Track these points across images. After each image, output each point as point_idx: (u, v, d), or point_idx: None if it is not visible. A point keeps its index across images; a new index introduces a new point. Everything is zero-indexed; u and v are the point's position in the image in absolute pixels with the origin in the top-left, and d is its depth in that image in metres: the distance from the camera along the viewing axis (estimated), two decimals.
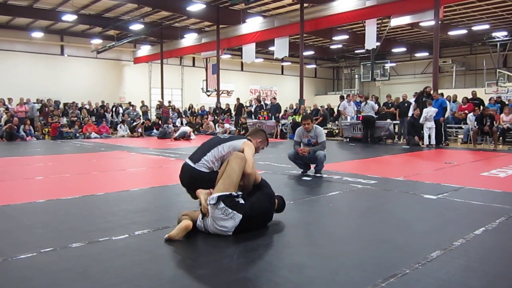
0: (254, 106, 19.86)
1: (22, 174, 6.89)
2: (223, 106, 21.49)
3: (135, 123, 19.02)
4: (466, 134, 13.21)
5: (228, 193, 3.27)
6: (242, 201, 3.30)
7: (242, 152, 3.61)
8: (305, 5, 17.84)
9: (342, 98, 17.42)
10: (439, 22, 14.70)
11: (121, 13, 21.86)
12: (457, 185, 5.62)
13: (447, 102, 13.43)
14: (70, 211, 4.27)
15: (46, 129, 17.67)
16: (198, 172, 3.62)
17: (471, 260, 2.80)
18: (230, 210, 3.21)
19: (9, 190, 5.53)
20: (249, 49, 21.10)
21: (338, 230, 3.70)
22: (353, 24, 21.27)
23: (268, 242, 3.30)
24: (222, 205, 3.21)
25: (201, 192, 3.44)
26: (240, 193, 3.41)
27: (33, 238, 3.34)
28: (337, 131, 16.71)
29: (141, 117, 20.99)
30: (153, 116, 23.09)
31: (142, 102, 23.66)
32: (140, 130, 18.45)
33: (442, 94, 13.76)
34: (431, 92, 13.15)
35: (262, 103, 19.59)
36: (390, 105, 15.30)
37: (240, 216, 3.23)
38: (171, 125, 17.86)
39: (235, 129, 18.84)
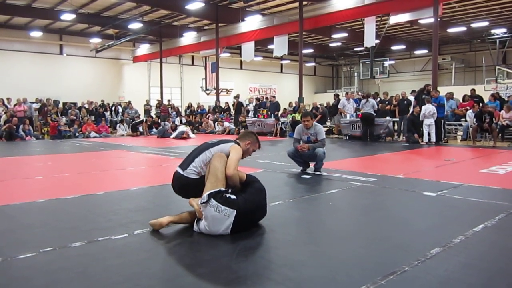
0: (253, 104, 19.83)
1: (21, 174, 6.89)
2: (222, 105, 21.47)
3: (134, 122, 18.98)
4: (466, 131, 13.21)
5: (216, 189, 3.29)
6: (233, 197, 3.32)
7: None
8: (304, 3, 17.80)
9: (336, 96, 17.36)
10: (438, 19, 14.68)
11: (120, 12, 21.82)
12: (457, 182, 5.62)
13: (445, 100, 13.43)
14: (69, 211, 4.27)
15: (46, 129, 17.66)
16: (187, 179, 3.62)
17: (470, 257, 2.80)
18: (223, 207, 3.22)
19: (8, 189, 5.53)
20: (248, 48, 21.07)
21: (337, 228, 3.71)
22: (352, 22, 21.25)
23: (268, 240, 3.31)
24: (213, 202, 3.22)
25: (193, 201, 3.46)
26: (230, 189, 3.43)
27: (33, 237, 3.34)
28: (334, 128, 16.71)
29: (141, 116, 20.98)
30: (152, 115, 23.06)
31: (147, 101, 23.69)
32: (140, 128, 18.42)
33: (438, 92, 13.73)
34: (431, 89, 13.17)
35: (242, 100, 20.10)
36: (387, 102, 15.33)
37: (234, 211, 3.23)
38: (168, 123, 17.82)
39: (234, 127, 18.83)
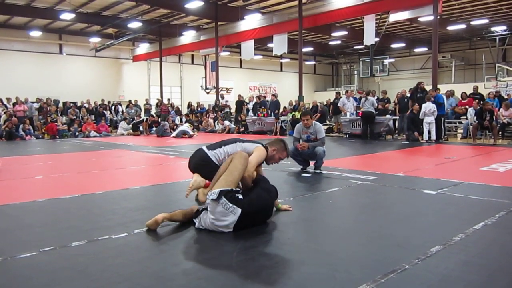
0: (253, 102, 19.83)
1: (21, 173, 6.89)
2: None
3: (135, 121, 18.97)
4: (466, 129, 13.21)
5: (229, 188, 3.32)
6: (241, 197, 3.34)
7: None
8: (303, 1, 17.80)
9: (338, 94, 17.38)
10: (438, 17, 14.67)
11: (119, 11, 21.81)
12: (457, 180, 5.62)
13: (444, 98, 13.45)
14: (69, 210, 4.27)
15: (45, 128, 17.66)
16: (208, 159, 3.74)
17: (470, 255, 2.80)
18: (231, 205, 3.24)
19: (9, 189, 5.52)
20: (248, 46, 21.07)
21: (337, 226, 3.70)
22: (352, 20, 21.24)
23: (268, 239, 3.31)
24: (223, 199, 3.24)
25: (197, 176, 3.55)
26: (239, 189, 3.47)
27: (33, 237, 3.34)
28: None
29: (142, 115, 20.99)
30: (153, 114, 23.05)
31: (146, 100, 23.70)
32: (141, 128, 18.42)
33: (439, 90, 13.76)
34: (424, 87, 13.32)
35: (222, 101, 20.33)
36: (385, 101, 15.36)
37: (240, 210, 3.25)
38: (167, 123, 17.78)
39: (234, 126, 18.83)
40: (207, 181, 3.54)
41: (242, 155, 3.51)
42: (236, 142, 3.79)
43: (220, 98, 21.37)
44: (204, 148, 3.83)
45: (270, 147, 3.88)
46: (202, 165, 3.74)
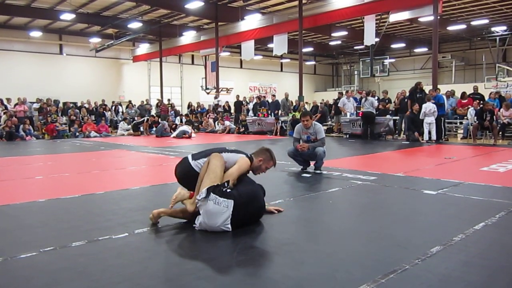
0: (253, 102, 19.83)
1: (22, 174, 6.89)
2: (222, 103, 21.44)
3: (135, 121, 18.96)
4: (466, 129, 13.21)
5: (215, 184, 3.36)
6: (229, 190, 3.38)
7: None
8: (303, 1, 17.80)
9: (341, 94, 17.40)
10: (438, 17, 14.67)
11: (119, 11, 21.82)
12: (457, 180, 5.62)
13: (444, 98, 13.45)
14: (70, 210, 4.27)
15: (45, 129, 17.66)
16: (191, 169, 3.72)
17: (471, 255, 2.80)
18: (222, 199, 3.27)
19: (9, 189, 5.53)
20: (248, 46, 21.07)
21: (338, 226, 3.70)
22: (352, 20, 21.24)
23: (268, 239, 3.31)
24: (212, 195, 3.27)
25: (181, 189, 3.58)
26: (226, 184, 3.48)
27: (33, 237, 3.34)
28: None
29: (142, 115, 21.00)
30: (153, 114, 23.03)
31: (147, 100, 23.69)
32: (141, 128, 18.41)
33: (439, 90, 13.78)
34: (423, 87, 13.34)
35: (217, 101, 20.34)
36: (386, 101, 15.37)
37: (232, 201, 3.28)
38: (166, 123, 17.75)
39: (234, 126, 18.83)
40: (192, 192, 3.56)
41: (216, 156, 3.58)
42: (222, 152, 3.74)
43: (214, 98, 21.36)
44: (189, 157, 3.82)
45: (256, 158, 3.83)
46: (186, 175, 3.76)
